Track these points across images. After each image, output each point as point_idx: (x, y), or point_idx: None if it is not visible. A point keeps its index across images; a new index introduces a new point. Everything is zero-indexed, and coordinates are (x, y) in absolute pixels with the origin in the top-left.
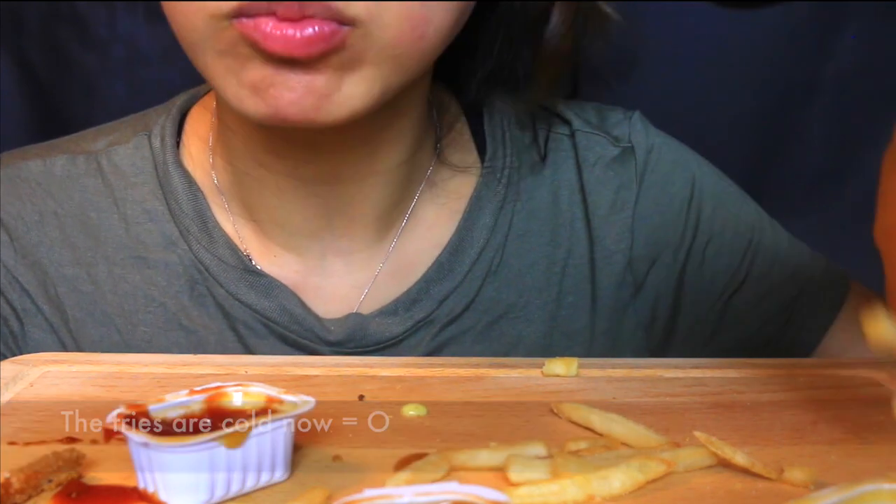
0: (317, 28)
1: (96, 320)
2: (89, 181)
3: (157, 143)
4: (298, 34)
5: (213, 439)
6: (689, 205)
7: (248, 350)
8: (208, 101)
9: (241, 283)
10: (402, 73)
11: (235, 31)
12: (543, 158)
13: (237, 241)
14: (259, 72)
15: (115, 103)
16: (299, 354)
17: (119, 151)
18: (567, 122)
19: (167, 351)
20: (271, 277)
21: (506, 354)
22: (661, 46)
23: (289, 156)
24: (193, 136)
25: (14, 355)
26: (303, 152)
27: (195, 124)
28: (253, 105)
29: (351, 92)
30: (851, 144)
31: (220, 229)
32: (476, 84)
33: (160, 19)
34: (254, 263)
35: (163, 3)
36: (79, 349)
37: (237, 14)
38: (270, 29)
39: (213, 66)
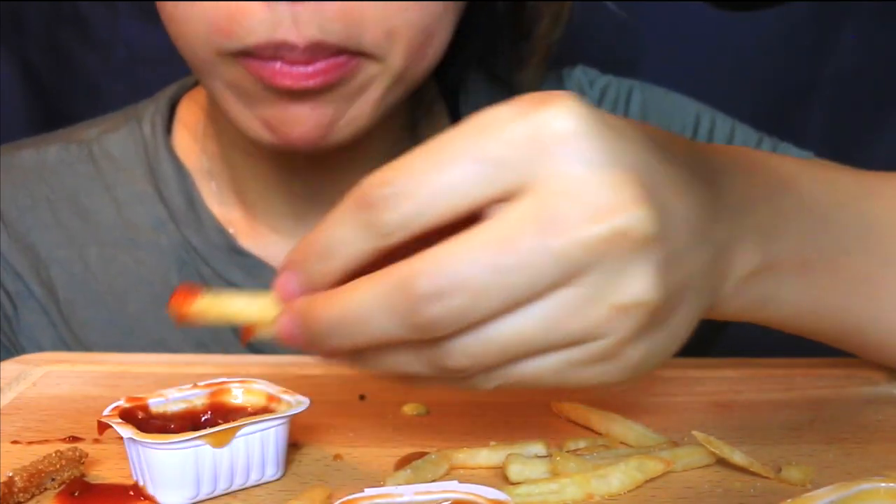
0: (329, 61)
1: (87, 300)
2: (81, 167)
3: (147, 129)
4: (310, 69)
5: (199, 438)
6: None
7: (234, 327)
8: (196, 93)
9: (229, 264)
10: (404, 90)
11: (240, 67)
12: None
13: (225, 224)
14: (269, 110)
15: (116, 104)
16: None
17: (110, 138)
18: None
19: (155, 328)
20: (257, 258)
21: None
22: (661, 46)
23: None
24: (183, 123)
25: (8, 338)
26: None
27: (185, 113)
28: (265, 136)
29: (355, 115)
30: (851, 144)
31: (208, 211)
32: (456, 68)
33: (161, 20)
34: (241, 245)
35: (169, 30)
36: (70, 330)
37: (243, 54)
38: (279, 67)
39: (222, 94)
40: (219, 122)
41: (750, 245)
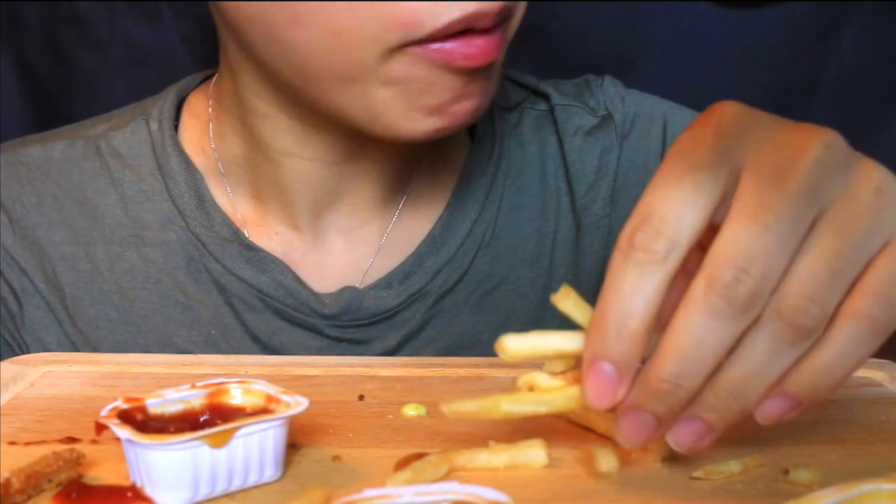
0: (501, 31)
1: (94, 298)
2: (88, 164)
3: (154, 126)
4: (490, 39)
5: (197, 438)
6: (661, 155)
7: (243, 324)
8: (204, 90)
9: (238, 258)
10: None
11: (413, 57)
12: (522, 132)
13: (234, 219)
14: (445, 93)
15: (115, 103)
16: (295, 329)
17: (117, 136)
18: (546, 98)
19: (162, 326)
20: (267, 252)
21: (499, 327)
22: (661, 46)
23: (321, 142)
24: (192, 120)
25: (12, 336)
26: (342, 138)
27: (194, 109)
28: (428, 123)
29: (496, 79)
30: (853, 143)
31: (217, 207)
32: None
33: (159, 19)
34: (251, 240)
35: (317, 43)
36: (76, 328)
37: (420, 42)
38: (466, 48)
39: (376, 95)
40: (247, 123)
41: None
